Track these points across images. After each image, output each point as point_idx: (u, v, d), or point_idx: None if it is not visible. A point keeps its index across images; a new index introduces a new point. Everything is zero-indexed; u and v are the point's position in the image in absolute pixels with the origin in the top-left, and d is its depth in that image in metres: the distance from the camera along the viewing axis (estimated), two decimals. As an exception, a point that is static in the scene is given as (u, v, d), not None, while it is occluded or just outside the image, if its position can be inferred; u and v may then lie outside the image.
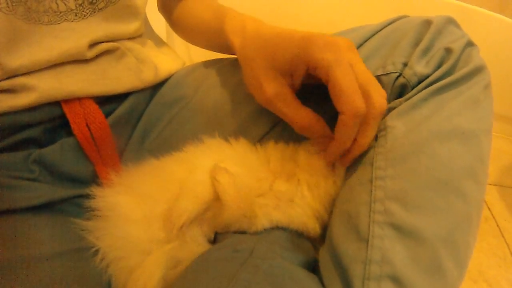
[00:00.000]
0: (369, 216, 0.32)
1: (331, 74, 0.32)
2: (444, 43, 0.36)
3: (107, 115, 0.43)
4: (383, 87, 0.36)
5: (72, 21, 0.39)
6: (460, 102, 0.34)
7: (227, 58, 0.50)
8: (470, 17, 0.94)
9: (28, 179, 0.39)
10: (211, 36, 0.50)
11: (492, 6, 1.01)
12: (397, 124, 0.35)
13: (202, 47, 0.56)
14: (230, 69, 0.48)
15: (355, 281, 0.30)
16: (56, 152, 0.41)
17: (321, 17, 1.03)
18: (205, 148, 0.41)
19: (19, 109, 0.38)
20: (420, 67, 0.36)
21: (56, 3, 0.38)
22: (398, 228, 0.31)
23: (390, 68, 0.37)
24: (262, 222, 0.37)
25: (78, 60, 0.41)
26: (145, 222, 0.37)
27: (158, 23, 0.62)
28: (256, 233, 0.37)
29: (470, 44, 0.37)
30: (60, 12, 0.38)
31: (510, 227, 0.82)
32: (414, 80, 0.36)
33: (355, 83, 0.32)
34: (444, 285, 0.30)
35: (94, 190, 0.39)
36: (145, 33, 0.49)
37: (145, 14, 0.50)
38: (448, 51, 0.36)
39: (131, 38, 0.45)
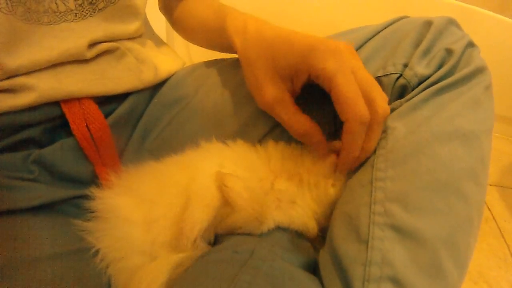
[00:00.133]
0: (369, 218, 0.32)
1: (334, 83, 0.32)
2: (444, 44, 0.36)
3: (107, 115, 0.43)
4: (383, 88, 0.36)
5: (72, 21, 0.39)
6: (461, 103, 0.34)
7: (227, 58, 0.50)
8: (471, 18, 0.94)
9: (28, 180, 0.39)
10: (212, 35, 0.50)
11: (493, 6, 1.00)
12: (398, 125, 0.35)
13: (203, 47, 0.56)
14: (231, 69, 0.48)
15: (355, 282, 0.30)
16: (56, 153, 0.41)
17: (321, 17, 1.03)
18: (203, 152, 0.41)
19: (18, 109, 0.38)
20: (421, 68, 0.36)
21: (56, 4, 0.38)
22: (398, 230, 0.30)
23: (390, 69, 0.37)
24: (268, 223, 0.37)
25: (78, 60, 0.40)
26: (144, 224, 0.36)
27: (158, 23, 0.62)
28: (257, 234, 0.37)
29: (471, 44, 0.37)
30: (60, 13, 0.38)
31: (510, 228, 0.82)
32: (414, 81, 0.36)
33: (358, 90, 0.32)
34: (445, 286, 0.29)
35: (94, 191, 0.39)
36: (145, 33, 0.49)
37: (145, 14, 0.49)
38: (449, 52, 0.36)
39: (131, 38, 0.45)
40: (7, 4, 0.35)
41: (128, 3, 0.42)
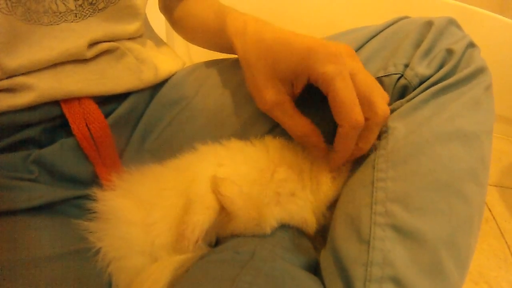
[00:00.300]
0: (370, 218, 0.32)
1: (331, 87, 0.32)
2: (445, 44, 0.36)
3: (107, 115, 0.43)
4: (384, 88, 0.36)
5: (72, 21, 0.39)
6: (462, 103, 0.34)
7: (227, 59, 0.50)
8: (471, 18, 0.94)
9: (28, 180, 0.39)
10: (212, 36, 0.50)
11: (493, 7, 1.01)
12: (398, 126, 0.35)
13: (203, 47, 0.56)
14: (231, 69, 0.48)
15: (357, 282, 0.30)
16: (56, 153, 0.41)
17: (321, 17, 1.03)
18: (200, 154, 0.41)
19: (18, 109, 0.38)
20: (422, 68, 0.36)
21: (56, 4, 0.38)
22: (399, 230, 0.30)
23: (391, 70, 0.37)
24: (271, 222, 0.37)
25: (78, 60, 0.40)
26: (144, 226, 0.37)
27: (158, 23, 0.62)
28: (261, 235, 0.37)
29: (471, 45, 0.37)
30: (60, 13, 0.38)
31: (510, 228, 0.82)
32: (415, 81, 0.36)
33: (355, 96, 0.32)
34: (446, 286, 0.29)
35: (94, 192, 0.39)
36: (145, 33, 0.49)
37: (145, 15, 0.49)
38: (450, 52, 0.36)
39: (131, 38, 0.45)
40: (7, 4, 0.35)
41: (128, 3, 0.42)
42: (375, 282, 0.29)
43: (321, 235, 0.39)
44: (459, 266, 0.31)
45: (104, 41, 0.42)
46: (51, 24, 0.38)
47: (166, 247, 0.36)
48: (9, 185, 0.37)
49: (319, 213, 0.39)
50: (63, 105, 0.40)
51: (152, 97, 0.48)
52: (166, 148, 0.46)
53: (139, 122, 0.47)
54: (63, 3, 0.38)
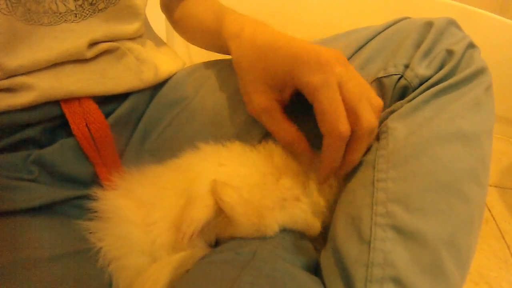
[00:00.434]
0: (371, 219, 0.32)
1: (316, 98, 0.32)
2: (445, 45, 0.37)
3: (107, 115, 0.43)
4: (384, 89, 0.36)
5: (72, 22, 0.39)
6: (462, 104, 0.34)
7: (227, 59, 0.50)
8: (471, 19, 0.94)
9: (28, 180, 0.39)
10: (210, 37, 0.50)
11: (493, 7, 1.01)
12: (399, 126, 0.35)
13: (203, 48, 0.56)
14: (231, 70, 0.47)
15: (358, 283, 0.30)
16: (56, 153, 0.41)
17: (321, 18, 1.03)
18: (201, 154, 0.41)
19: (18, 108, 0.38)
20: (422, 69, 0.36)
21: (56, 4, 0.38)
22: (400, 230, 0.30)
23: (391, 70, 0.37)
24: (273, 227, 0.36)
25: (78, 60, 0.40)
26: (144, 226, 0.37)
27: (158, 23, 0.62)
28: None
29: (471, 45, 0.37)
30: (60, 13, 0.38)
31: (510, 229, 0.81)
32: (415, 82, 0.36)
33: (340, 107, 0.32)
34: (446, 287, 0.30)
35: (95, 191, 0.39)
36: (145, 34, 0.49)
37: (145, 15, 0.49)
38: (450, 53, 0.36)
39: (131, 38, 0.45)
40: (7, 5, 0.35)
41: (128, 3, 0.42)
42: (376, 282, 0.29)
43: (322, 236, 0.39)
44: (460, 266, 0.31)
45: (104, 41, 0.42)
46: (51, 25, 0.38)
47: (166, 247, 0.36)
48: (9, 185, 0.37)
49: (323, 217, 0.39)
50: (63, 105, 0.40)
51: (152, 97, 0.48)
52: (166, 148, 0.46)
53: (139, 122, 0.47)
54: (63, 4, 0.38)
